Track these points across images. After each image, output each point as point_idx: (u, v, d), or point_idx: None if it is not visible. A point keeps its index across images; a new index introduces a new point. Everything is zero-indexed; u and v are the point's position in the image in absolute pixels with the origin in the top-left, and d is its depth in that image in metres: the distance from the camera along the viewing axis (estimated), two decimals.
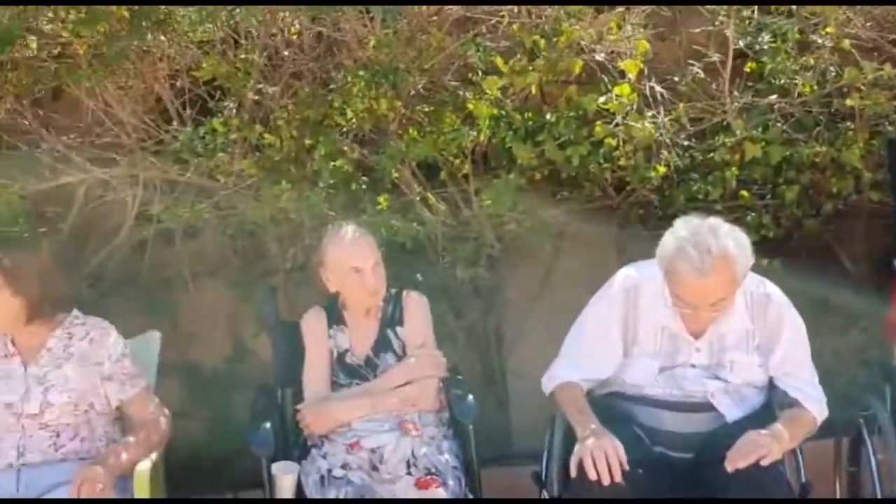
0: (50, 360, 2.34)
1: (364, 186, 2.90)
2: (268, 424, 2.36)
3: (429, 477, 2.22)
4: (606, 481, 2.00)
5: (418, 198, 2.93)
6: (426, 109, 2.75)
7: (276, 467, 2.28)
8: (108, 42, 2.48)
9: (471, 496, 2.30)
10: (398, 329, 2.53)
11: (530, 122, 2.67)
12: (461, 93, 2.69)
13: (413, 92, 2.70)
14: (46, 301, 2.32)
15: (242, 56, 2.52)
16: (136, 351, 2.50)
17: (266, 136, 2.59)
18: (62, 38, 2.63)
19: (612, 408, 2.31)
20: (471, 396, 2.41)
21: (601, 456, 2.02)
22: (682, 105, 2.70)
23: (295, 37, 2.81)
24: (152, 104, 2.85)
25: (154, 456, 2.35)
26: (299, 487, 2.29)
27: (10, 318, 2.30)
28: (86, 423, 2.32)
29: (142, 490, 2.27)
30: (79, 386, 2.31)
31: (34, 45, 2.62)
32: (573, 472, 2.07)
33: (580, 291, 2.87)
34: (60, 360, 2.34)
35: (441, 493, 2.18)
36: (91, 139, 2.88)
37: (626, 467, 2.03)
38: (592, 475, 2.01)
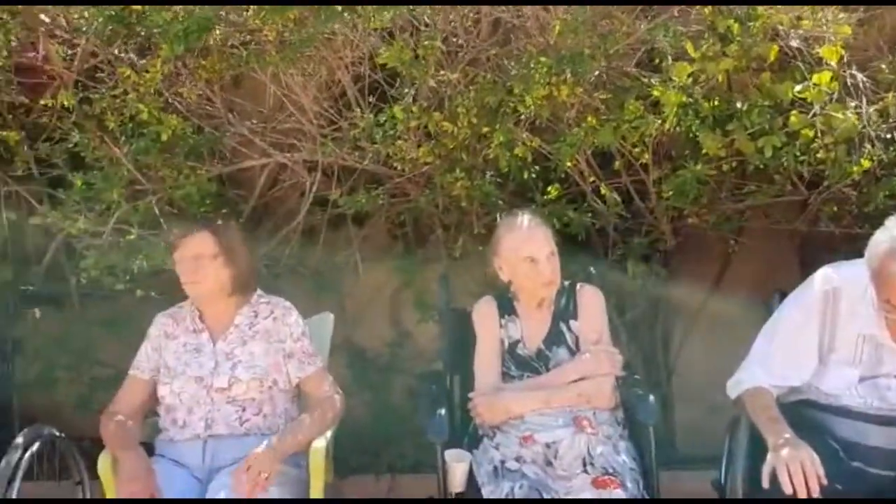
0: (237, 337, 2.43)
1: (534, 175, 2.85)
2: (442, 411, 2.36)
3: (606, 477, 2.15)
4: (803, 494, 1.88)
5: (590, 188, 2.85)
6: (604, 96, 2.66)
7: (450, 455, 2.27)
8: (295, 28, 2.54)
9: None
10: (572, 322, 2.47)
11: (718, 111, 2.52)
12: (645, 79, 2.58)
13: (592, 78, 2.61)
14: (246, 277, 2.43)
15: (426, 43, 2.52)
16: (311, 331, 2.55)
17: (444, 123, 2.57)
18: (251, 26, 2.70)
19: (803, 417, 2.16)
20: (651, 397, 2.32)
21: (797, 468, 1.90)
22: (891, 95, 2.48)
23: (471, 24, 2.79)
24: (333, 91, 2.91)
25: (329, 434, 2.40)
26: (470, 476, 2.28)
27: (218, 287, 2.41)
28: (269, 400, 2.40)
29: (317, 467, 2.32)
30: (263, 363, 2.39)
31: (219, 33, 2.70)
32: (765, 483, 1.95)
33: (758, 292, 2.72)
34: (246, 337, 2.43)
35: (620, 494, 2.10)
36: (273, 125, 2.97)
37: (825, 481, 1.89)
38: (788, 488, 1.89)
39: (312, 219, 3.22)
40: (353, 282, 3.59)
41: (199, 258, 2.37)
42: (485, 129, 2.62)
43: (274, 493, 2.22)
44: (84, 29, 2.77)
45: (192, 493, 2.24)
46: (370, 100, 2.83)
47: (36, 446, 2.64)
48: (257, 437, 2.32)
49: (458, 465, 2.25)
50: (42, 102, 2.88)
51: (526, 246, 2.40)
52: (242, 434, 2.35)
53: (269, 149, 2.94)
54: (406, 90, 2.69)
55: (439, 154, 2.70)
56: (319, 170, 2.95)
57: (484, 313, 2.54)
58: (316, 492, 2.34)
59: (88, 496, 2.92)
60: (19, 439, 2.60)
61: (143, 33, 2.73)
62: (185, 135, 2.73)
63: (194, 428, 2.35)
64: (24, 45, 2.93)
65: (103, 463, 2.30)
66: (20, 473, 2.53)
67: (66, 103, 2.75)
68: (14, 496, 2.48)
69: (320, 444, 2.34)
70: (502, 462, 2.26)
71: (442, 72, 2.63)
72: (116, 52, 2.84)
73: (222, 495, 2.12)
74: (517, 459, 2.25)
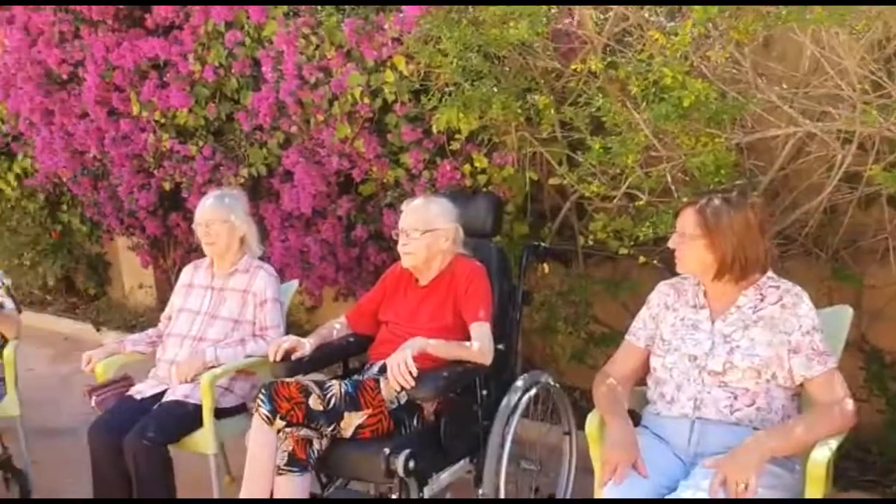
0: (737, 320, 2.24)
1: None
2: None
3: None
4: None
5: None
6: None
7: None
8: None
9: None
10: None
11: None
12: None
13: None
14: (737, 261, 2.22)
15: None
16: (824, 325, 2.24)
17: None
18: None
19: None
20: None
21: None
22: None
23: None
24: (884, 51, 2.49)
25: (833, 444, 2.10)
26: None
27: (699, 268, 2.27)
28: (765, 393, 2.18)
29: (817, 479, 2.04)
30: (764, 353, 2.18)
31: None
32: None
33: None
34: (748, 322, 2.23)
35: None
36: (805, 90, 2.66)
37: None
38: None
39: (838, 196, 2.85)
40: (878, 272, 3.12)
41: (682, 236, 2.26)
42: None
43: (763, 496, 2.02)
44: None
45: (674, 473, 2.16)
46: None
47: (533, 391, 2.85)
48: (747, 430, 2.14)
49: None
50: (571, 67, 2.99)
51: None
52: (732, 423, 2.18)
53: (797, 117, 2.64)
54: None
55: None
56: (855, 141, 2.56)
57: None
58: None
59: (575, 447, 3.07)
60: (519, 382, 2.84)
61: None
62: (707, 100, 2.58)
63: (682, 406, 2.25)
64: (562, 12, 3.08)
65: (591, 422, 2.34)
66: (518, 412, 2.75)
67: (593, 68, 2.80)
68: (511, 431, 2.70)
69: (823, 454, 2.05)
70: None
71: None
72: (647, 14, 2.81)
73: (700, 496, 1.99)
74: None
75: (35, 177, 5.73)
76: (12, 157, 5.91)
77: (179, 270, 5.63)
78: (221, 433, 2.95)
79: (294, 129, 3.78)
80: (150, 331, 3.32)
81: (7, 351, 3.48)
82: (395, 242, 2.85)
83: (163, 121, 4.29)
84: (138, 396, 3.01)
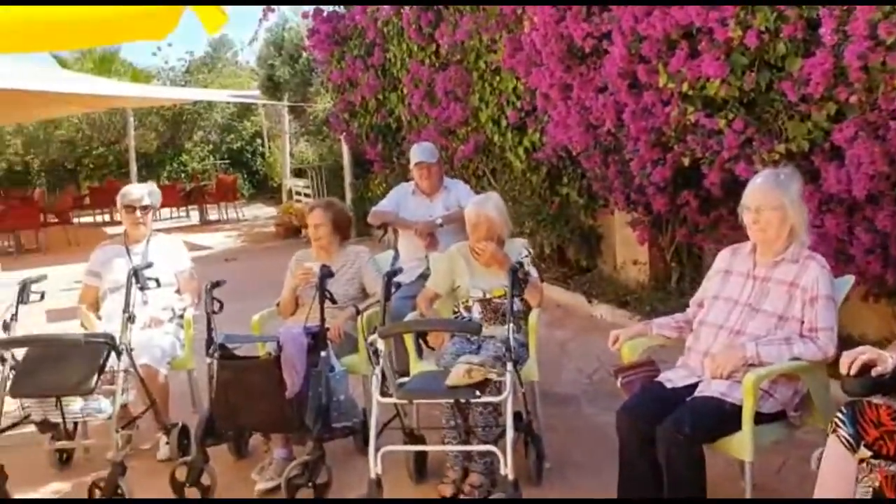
0: None
1: None
2: None
3: None
4: None
5: None
6: None
7: None
8: None
9: None
10: None
11: None
12: None
13: None
14: None
15: None
16: None
17: None
18: None
19: None
20: None
21: None
22: None
23: None
24: None
25: None
26: None
27: None
28: None
29: None
30: None
31: None
32: None
33: None
34: None
35: None
36: None
37: None
38: None
39: None
40: None
41: None
42: None
43: None
44: None
45: None
46: None
47: None
48: None
49: None
50: None
51: None
52: None
53: None
54: None
55: None
56: None
57: None
58: None
59: None
60: None
61: None
62: None
63: None
64: None
65: None
66: None
67: None
68: None
69: None
70: None
71: None
72: None
73: None
74: None
75: (542, 150, 5.99)
76: (523, 131, 6.25)
77: (677, 250, 5.51)
78: (757, 439, 2.63)
79: (853, 98, 3.23)
80: (678, 315, 3.11)
81: (532, 319, 3.59)
82: None
83: (689, 92, 4.04)
84: (668, 385, 2.82)
